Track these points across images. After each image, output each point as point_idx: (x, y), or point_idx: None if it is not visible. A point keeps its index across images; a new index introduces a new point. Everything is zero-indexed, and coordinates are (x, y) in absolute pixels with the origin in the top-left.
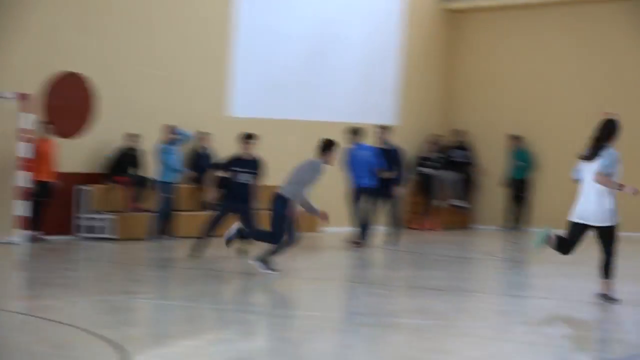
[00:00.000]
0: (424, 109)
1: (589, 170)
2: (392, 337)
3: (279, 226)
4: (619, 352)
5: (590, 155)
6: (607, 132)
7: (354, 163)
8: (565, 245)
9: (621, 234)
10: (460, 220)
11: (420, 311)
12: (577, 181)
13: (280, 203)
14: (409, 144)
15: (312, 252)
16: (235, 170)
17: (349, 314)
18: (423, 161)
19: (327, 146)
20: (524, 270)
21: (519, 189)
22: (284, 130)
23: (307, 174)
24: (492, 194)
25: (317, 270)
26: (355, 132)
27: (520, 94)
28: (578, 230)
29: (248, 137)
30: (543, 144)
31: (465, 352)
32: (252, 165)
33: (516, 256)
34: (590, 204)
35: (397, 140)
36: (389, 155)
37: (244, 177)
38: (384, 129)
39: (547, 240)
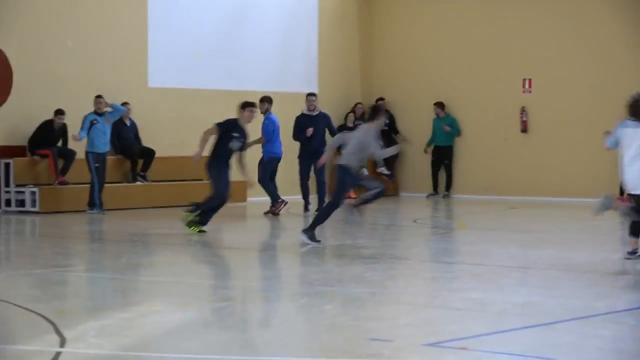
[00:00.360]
0: (343, 77)
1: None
2: (326, 305)
3: (341, 194)
4: (545, 318)
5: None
6: None
7: (274, 132)
8: None
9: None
10: (388, 187)
11: (353, 279)
12: (611, 149)
13: (342, 172)
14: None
15: (242, 221)
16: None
17: (282, 283)
18: (344, 130)
19: (376, 111)
20: (451, 237)
21: (443, 156)
22: (202, 99)
23: (366, 141)
24: (416, 161)
25: (247, 239)
26: (269, 100)
27: (442, 61)
28: None
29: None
30: (465, 110)
31: (398, 319)
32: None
33: (442, 223)
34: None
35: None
36: (321, 122)
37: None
38: (312, 96)
39: (607, 206)
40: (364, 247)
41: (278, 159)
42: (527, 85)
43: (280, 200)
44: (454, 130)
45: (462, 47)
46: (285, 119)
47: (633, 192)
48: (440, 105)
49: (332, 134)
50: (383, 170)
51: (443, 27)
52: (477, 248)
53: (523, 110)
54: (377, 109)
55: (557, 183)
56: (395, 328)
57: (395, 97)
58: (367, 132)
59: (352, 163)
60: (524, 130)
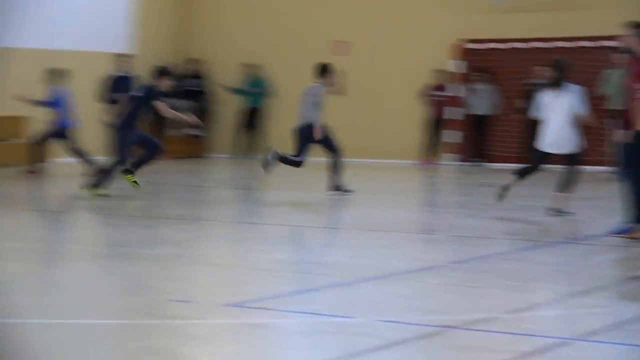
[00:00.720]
0: (159, 38)
1: (557, 104)
2: (129, 267)
3: (303, 150)
4: (348, 277)
5: (556, 91)
6: (565, 70)
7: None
8: (528, 171)
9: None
10: (196, 149)
11: (157, 241)
12: (537, 116)
13: (305, 130)
14: (145, 74)
15: (42, 182)
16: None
17: (85, 245)
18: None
19: (324, 70)
20: (257, 198)
21: (252, 117)
22: (14, 58)
23: (310, 98)
24: (228, 122)
25: (48, 201)
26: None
27: (257, 22)
28: (544, 157)
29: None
30: (278, 72)
31: (200, 280)
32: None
33: (249, 184)
34: (561, 133)
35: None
36: (128, 84)
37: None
38: (124, 57)
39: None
40: (170, 208)
41: None
42: (343, 48)
43: None
44: (260, 92)
45: (278, 7)
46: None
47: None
48: (248, 66)
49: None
50: (192, 131)
51: None
52: (283, 209)
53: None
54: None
55: (374, 145)
56: (197, 288)
57: (211, 58)
58: (312, 89)
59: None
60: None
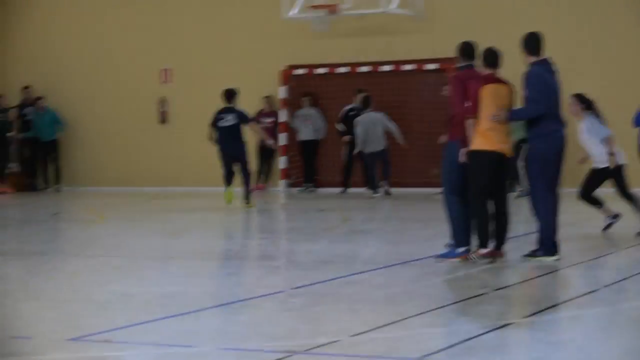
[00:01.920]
0: None
1: None
2: None
3: None
4: (188, 307)
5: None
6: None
7: None
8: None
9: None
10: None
11: None
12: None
13: None
14: None
15: None
16: None
17: None
18: None
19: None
20: (91, 230)
21: (48, 149)
22: None
23: None
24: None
25: None
26: None
27: (79, 53)
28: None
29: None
30: (102, 102)
31: (39, 315)
32: None
33: (80, 216)
34: None
35: None
36: None
37: None
38: None
39: None
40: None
41: None
42: (165, 76)
43: None
44: (58, 124)
45: (96, 37)
46: None
47: None
48: (38, 98)
49: None
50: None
51: (78, 15)
52: (118, 240)
53: (162, 101)
54: None
55: (197, 173)
56: (36, 324)
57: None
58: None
59: None
60: (163, 120)
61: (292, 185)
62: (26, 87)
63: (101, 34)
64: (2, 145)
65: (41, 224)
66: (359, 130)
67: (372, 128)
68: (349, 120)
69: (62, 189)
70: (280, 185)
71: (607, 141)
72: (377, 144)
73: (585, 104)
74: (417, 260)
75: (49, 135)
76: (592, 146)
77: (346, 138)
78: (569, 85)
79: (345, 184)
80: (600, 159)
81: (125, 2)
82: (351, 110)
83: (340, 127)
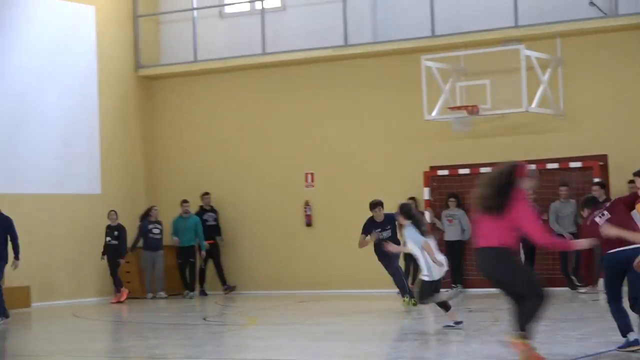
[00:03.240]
0: (126, 177)
1: None
2: None
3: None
4: None
5: None
6: None
7: None
8: None
9: None
10: None
11: None
12: None
13: None
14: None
15: None
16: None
17: None
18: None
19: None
20: (242, 334)
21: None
22: None
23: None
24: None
25: None
26: None
27: (223, 157)
28: None
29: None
30: (250, 205)
31: None
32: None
33: (232, 320)
34: None
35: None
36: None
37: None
38: None
39: None
40: (155, 347)
41: None
42: (309, 179)
43: None
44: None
45: (242, 144)
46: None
47: None
48: (185, 202)
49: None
50: None
51: (223, 123)
52: (269, 343)
53: (307, 204)
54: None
55: (344, 275)
56: None
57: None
58: None
59: None
60: (309, 224)
61: None
62: (206, 194)
63: (244, 137)
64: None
65: (192, 327)
66: None
67: None
68: None
69: (195, 295)
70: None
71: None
72: None
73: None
74: None
75: (188, 240)
76: None
77: None
78: None
79: None
80: None
81: (273, 109)
82: None
83: None
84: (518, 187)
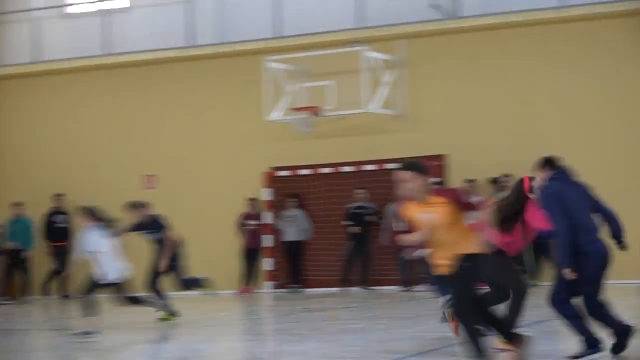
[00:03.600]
0: None
1: None
2: None
3: None
4: None
5: None
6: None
7: None
8: None
9: None
10: None
11: None
12: None
13: None
14: None
15: None
16: None
17: None
18: None
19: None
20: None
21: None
22: None
23: None
24: None
25: None
26: None
27: (63, 156)
28: None
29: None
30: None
31: None
32: None
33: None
34: None
35: None
36: None
37: None
38: None
39: None
40: None
41: None
42: (150, 181)
43: None
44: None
45: (87, 145)
46: None
47: None
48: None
49: None
50: None
51: (68, 124)
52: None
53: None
54: None
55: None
56: None
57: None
58: None
59: None
60: None
61: (278, 286)
62: (59, 195)
63: (90, 140)
64: None
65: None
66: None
67: None
68: (355, 217)
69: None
70: (266, 287)
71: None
72: None
73: None
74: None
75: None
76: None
77: (355, 229)
78: None
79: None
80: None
81: (118, 110)
82: (358, 207)
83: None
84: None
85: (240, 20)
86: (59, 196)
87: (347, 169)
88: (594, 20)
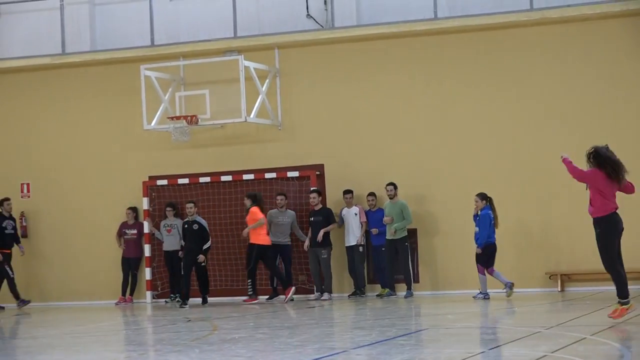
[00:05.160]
0: None
1: None
2: None
3: None
4: None
5: None
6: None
7: None
8: None
9: None
10: None
11: None
12: None
13: None
14: None
15: None
16: None
17: None
18: None
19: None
20: None
21: None
22: None
23: None
24: None
25: None
26: None
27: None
28: None
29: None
30: None
31: None
32: None
33: None
34: None
35: None
36: None
37: None
38: None
39: None
40: None
41: None
42: (25, 190)
43: None
44: None
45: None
46: None
47: None
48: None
49: None
50: None
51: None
52: None
53: (22, 215)
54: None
55: (62, 287)
56: None
57: None
58: None
59: None
60: (24, 235)
61: (158, 296)
62: (5, 200)
63: None
64: None
65: None
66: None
67: None
68: None
69: None
70: (147, 297)
71: None
72: None
73: None
74: None
75: None
76: None
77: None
78: None
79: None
80: None
81: None
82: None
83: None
84: None
85: (115, 28)
86: (5, 200)
87: (225, 178)
88: (465, 32)
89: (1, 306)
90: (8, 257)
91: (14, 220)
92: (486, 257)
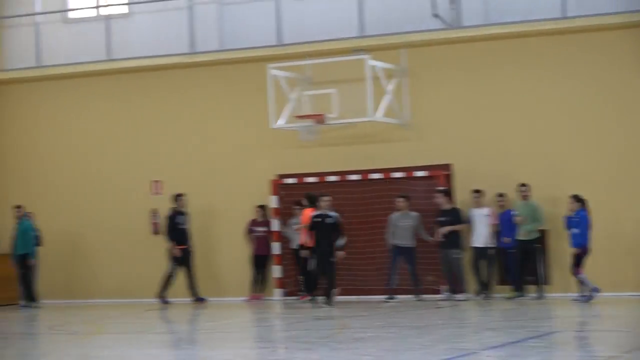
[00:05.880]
0: None
1: None
2: None
3: None
4: None
5: None
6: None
7: None
8: None
9: None
10: None
11: None
12: None
13: None
14: None
15: None
16: None
17: None
18: None
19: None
20: (89, 343)
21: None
22: None
23: None
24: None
25: None
26: None
27: (67, 164)
28: None
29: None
30: (91, 213)
31: None
32: None
33: (79, 329)
34: None
35: None
36: None
37: None
38: None
39: None
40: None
41: None
42: (156, 187)
43: None
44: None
45: (88, 150)
46: None
47: None
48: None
49: None
50: None
51: (69, 129)
52: (115, 352)
53: (155, 213)
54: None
55: (204, 283)
56: None
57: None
58: None
59: None
60: (156, 232)
61: (287, 294)
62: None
63: (91, 145)
64: None
65: (38, 337)
66: None
67: None
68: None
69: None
70: (276, 294)
71: None
72: None
73: None
74: None
75: (22, 248)
76: None
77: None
78: None
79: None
80: None
81: (120, 116)
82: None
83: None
84: None
85: (243, 28)
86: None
87: (353, 177)
88: (596, 32)
89: (202, 298)
90: (187, 253)
91: (186, 215)
92: (579, 259)
